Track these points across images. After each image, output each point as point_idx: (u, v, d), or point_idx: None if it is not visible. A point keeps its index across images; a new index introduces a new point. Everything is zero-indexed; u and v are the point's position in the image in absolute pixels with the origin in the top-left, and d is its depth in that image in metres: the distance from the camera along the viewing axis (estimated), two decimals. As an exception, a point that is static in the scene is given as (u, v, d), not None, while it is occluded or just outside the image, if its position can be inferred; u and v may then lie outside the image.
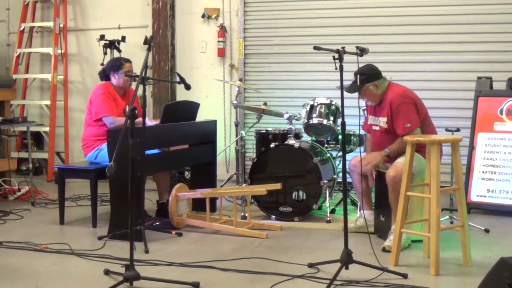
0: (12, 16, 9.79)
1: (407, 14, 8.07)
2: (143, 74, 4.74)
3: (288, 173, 6.33)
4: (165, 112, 6.12)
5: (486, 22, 7.76)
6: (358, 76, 5.35)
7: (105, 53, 8.61)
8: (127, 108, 6.21)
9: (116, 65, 6.37)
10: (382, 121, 5.45)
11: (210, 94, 8.89)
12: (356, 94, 5.42)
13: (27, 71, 9.67)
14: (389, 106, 5.36)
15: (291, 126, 6.61)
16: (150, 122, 6.18)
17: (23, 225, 6.19)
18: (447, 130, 6.12)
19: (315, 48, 4.57)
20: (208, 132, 6.84)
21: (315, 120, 6.55)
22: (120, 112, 6.21)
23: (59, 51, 9.25)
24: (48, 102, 9.22)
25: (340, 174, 6.39)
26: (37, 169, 9.40)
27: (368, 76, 5.43)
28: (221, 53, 8.83)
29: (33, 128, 8.63)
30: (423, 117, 5.42)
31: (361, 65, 5.20)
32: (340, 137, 6.67)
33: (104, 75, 6.45)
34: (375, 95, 5.49)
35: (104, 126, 6.15)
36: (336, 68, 4.48)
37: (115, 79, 6.33)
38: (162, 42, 8.94)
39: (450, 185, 5.93)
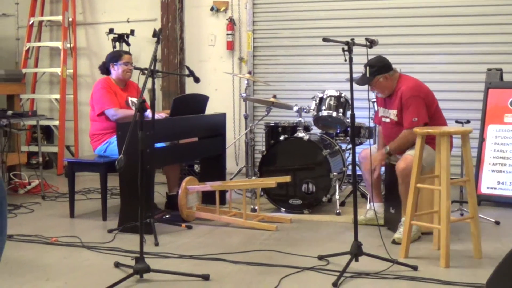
0: (21, 10, 9.80)
1: (416, 5, 8.04)
2: (152, 67, 4.73)
3: (298, 166, 6.33)
4: (174, 105, 6.12)
5: (496, 14, 7.73)
6: (368, 68, 5.32)
7: (114, 47, 8.65)
8: (129, 100, 6.27)
9: (115, 56, 6.43)
10: (393, 114, 5.43)
11: (219, 87, 8.89)
12: (365, 86, 5.41)
13: (36, 65, 9.70)
14: (400, 99, 5.34)
15: (300, 119, 6.59)
16: (158, 114, 6.17)
17: (33, 218, 6.22)
18: (457, 122, 6.12)
19: (324, 40, 4.56)
20: (217, 125, 6.84)
21: (324, 113, 6.53)
22: (122, 104, 6.24)
23: (68, 45, 9.27)
24: (57, 96, 9.24)
25: (350, 167, 6.41)
26: (47, 163, 9.42)
27: (379, 68, 5.40)
28: (230, 46, 8.83)
29: (43, 122, 8.64)
30: (434, 109, 5.39)
31: (370, 57, 5.16)
32: (349, 129, 6.66)
33: (104, 68, 6.48)
34: (385, 87, 5.46)
35: (110, 119, 6.18)
36: (345, 60, 4.46)
37: (114, 71, 6.37)
38: (171, 35, 8.94)
39: (460, 177, 5.91)
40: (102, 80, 6.36)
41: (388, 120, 5.52)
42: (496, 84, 6.91)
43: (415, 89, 5.33)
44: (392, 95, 5.45)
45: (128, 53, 6.52)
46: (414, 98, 5.28)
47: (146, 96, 6.68)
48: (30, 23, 9.47)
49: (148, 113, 6.00)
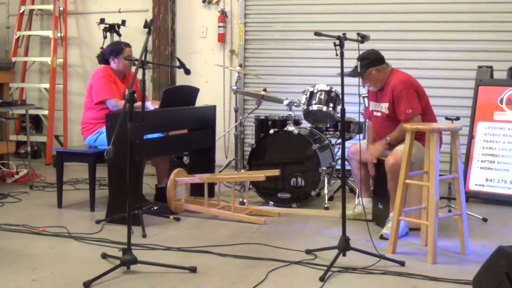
0: (12, -2, 9.76)
1: (408, 1, 8.05)
2: (143, 58, 4.71)
3: (287, 160, 6.32)
4: (164, 96, 6.10)
5: (487, 11, 7.75)
6: (361, 60, 5.33)
7: (105, 37, 8.61)
8: (127, 92, 6.21)
9: (116, 49, 6.33)
10: (384, 107, 5.43)
11: (210, 80, 8.88)
12: (356, 81, 5.40)
13: (26, 54, 9.65)
14: (391, 92, 5.34)
15: (290, 113, 6.59)
16: (151, 105, 6.15)
17: (21, 208, 6.19)
18: (447, 118, 6.11)
19: (316, 34, 4.55)
20: (207, 118, 6.82)
21: (314, 107, 6.54)
22: (121, 95, 6.20)
23: (59, 34, 9.22)
24: (47, 86, 9.20)
25: (339, 161, 6.41)
26: (36, 152, 9.39)
27: (372, 60, 5.40)
28: (222, 38, 8.80)
29: (32, 111, 8.61)
30: (424, 105, 5.40)
31: (361, 52, 5.17)
32: (339, 124, 6.66)
33: (103, 58, 6.42)
34: (377, 80, 5.46)
35: (104, 110, 6.14)
36: (336, 55, 4.47)
37: (115, 64, 6.31)
38: (162, 27, 8.91)
39: (449, 173, 5.92)
40: (103, 69, 6.30)
41: (379, 114, 5.51)
42: (486, 82, 6.93)
43: (406, 82, 5.34)
44: (383, 89, 5.45)
45: (128, 45, 6.41)
46: (406, 90, 5.28)
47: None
48: (21, 11, 9.40)
49: (149, 105, 6.01)
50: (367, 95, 6.00)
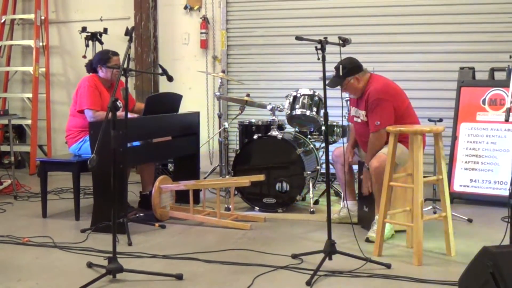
0: (-7, 8, 9.71)
1: (390, 4, 8.08)
2: (125, 66, 4.70)
3: (272, 165, 6.32)
4: (147, 104, 6.09)
5: (469, 13, 7.79)
6: (338, 70, 5.32)
7: (87, 46, 8.57)
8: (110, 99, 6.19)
9: (104, 59, 6.29)
10: (362, 114, 5.45)
11: (193, 86, 8.87)
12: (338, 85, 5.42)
13: (8, 64, 9.61)
14: (366, 101, 5.35)
15: (274, 118, 6.58)
16: (130, 114, 6.13)
17: (5, 218, 6.15)
18: (430, 120, 6.14)
19: (297, 38, 4.55)
20: (191, 124, 6.82)
21: (298, 111, 6.54)
22: (104, 106, 6.17)
23: (41, 44, 9.18)
24: (30, 95, 9.16)
25: (324, 165, 6.42)
26: (20, 163, 9.35)
27: (349, 69, 5.39)
28: (204, 44, 8.80)
29: (15, 121, 8.57)
30: (405, 108, 5.40)
31: (343, 55, 5.16)
32: (323, 128, 6.67)
33: (91, 68, 6.40)
34: (356, 88, 5.46)
35: (89, 118, 6.14)
36: (318, 59, 4.47)
37: (102, 73, 6.29)
38: (144, 34, 8.90)
39: (433, 175, 5.94)
40: (90, 78, 6.27)
41: (359, 120, 5.53)
42: (468, 83, 6.96)
43: (381, 92, 5.31)
44: (362, 96, 5.45)
45: (116, 54, 6.37)
46: (379, 101, 5.27)
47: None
48: (2, 21, 9.36)
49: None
50: (349, 99, 6.01)
